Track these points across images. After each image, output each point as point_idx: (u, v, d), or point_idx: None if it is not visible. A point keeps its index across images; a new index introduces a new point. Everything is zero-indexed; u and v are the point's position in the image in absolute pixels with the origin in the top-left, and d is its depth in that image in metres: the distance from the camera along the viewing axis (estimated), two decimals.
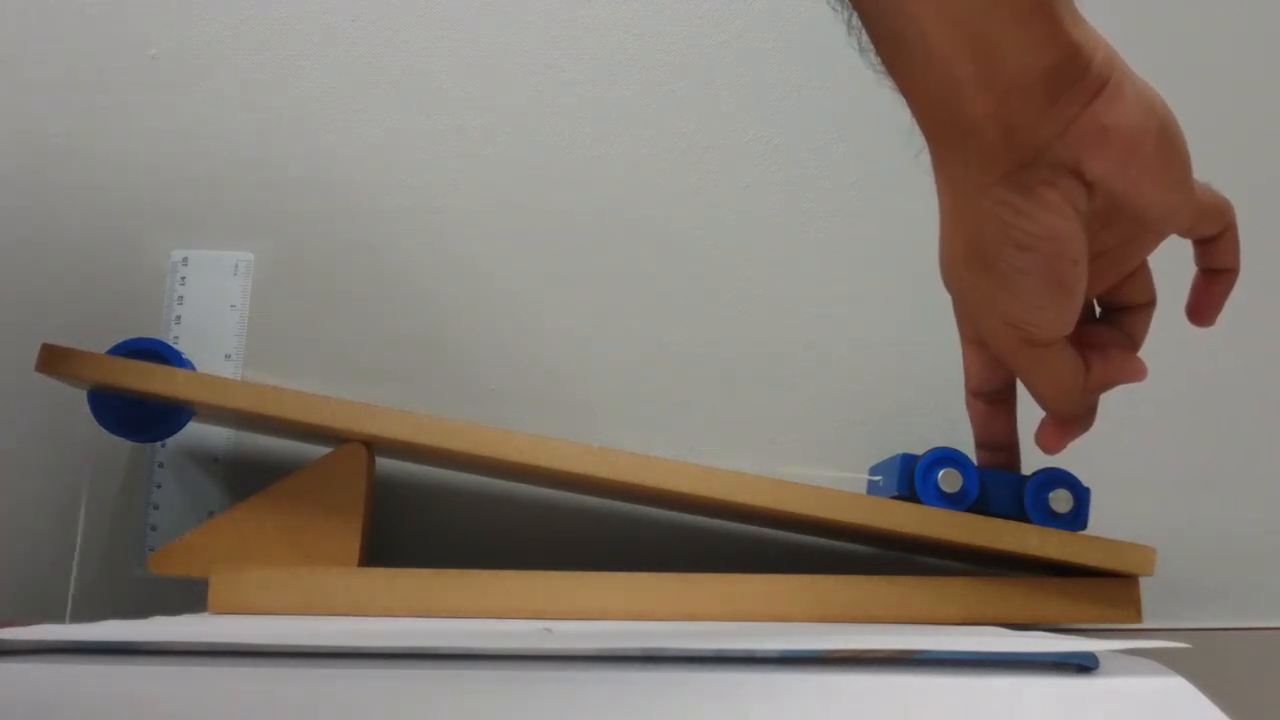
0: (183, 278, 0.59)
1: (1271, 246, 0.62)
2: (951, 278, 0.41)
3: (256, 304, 0.60)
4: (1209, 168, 0.42)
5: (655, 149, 0.63)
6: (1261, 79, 0.66)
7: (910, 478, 0.48)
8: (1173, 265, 0.45)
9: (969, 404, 0.49)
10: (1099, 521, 0.49)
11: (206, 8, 0.63)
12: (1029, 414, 0.46)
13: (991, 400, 0.48)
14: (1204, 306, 0.45)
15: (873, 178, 0.63)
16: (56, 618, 0.55)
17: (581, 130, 0.63)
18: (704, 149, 0.63)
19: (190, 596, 0.54)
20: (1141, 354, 0.45)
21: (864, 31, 0.37)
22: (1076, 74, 0.35)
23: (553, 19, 0.64)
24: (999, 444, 0.49)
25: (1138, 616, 0.48)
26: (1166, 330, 0.45)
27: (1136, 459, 0.61)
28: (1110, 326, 0.45)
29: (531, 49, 0.64)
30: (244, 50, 0.62)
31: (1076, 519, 0.48)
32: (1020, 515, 0.48)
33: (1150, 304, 0.45)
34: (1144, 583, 0.48)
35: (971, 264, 0.39)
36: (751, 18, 0.65)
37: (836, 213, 0.63)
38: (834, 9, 0.38)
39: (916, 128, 0.38)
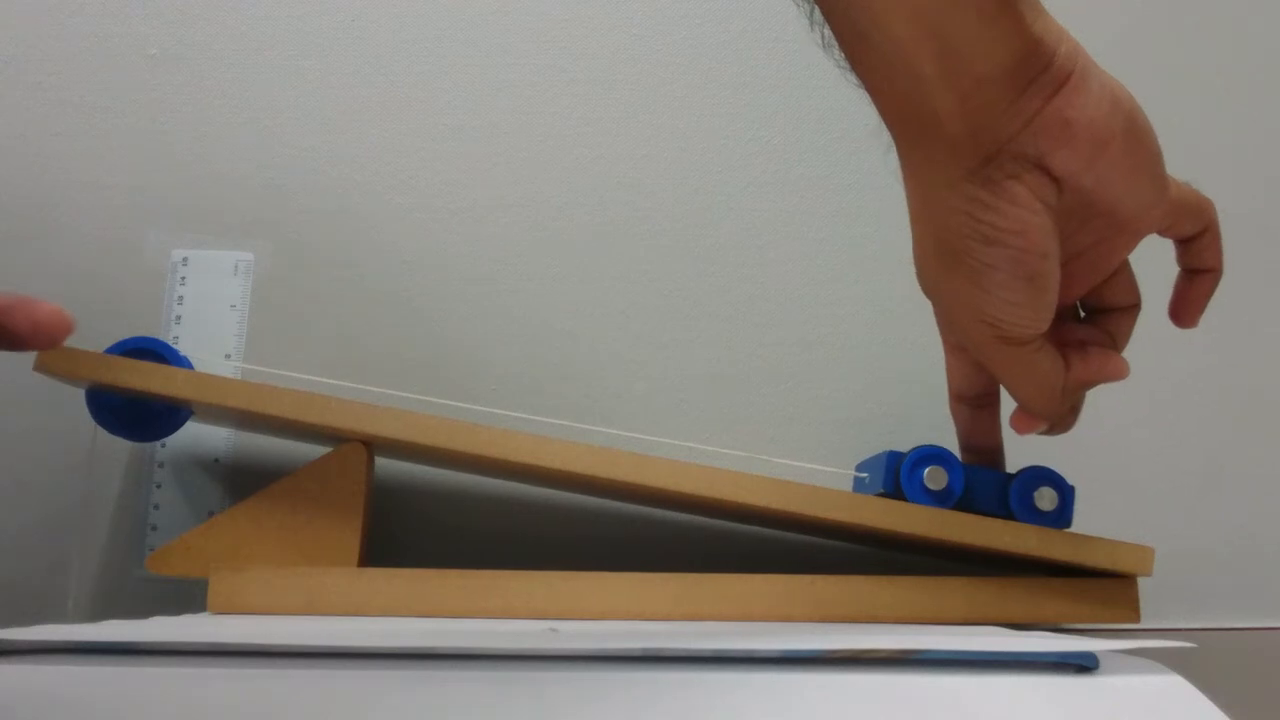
0: (183, 278, 0.59)
1: (1270, 244, 0.62)
2: (925, 278, 0.41)
3: (256, 304, 0.60)
4: (1199, 168, 0.42)
5: (655, 149, 0.63)
6: (1253, 79, 0.66)
7: (896, 475, 0.48)
8: (1170, 266, 0.45)
9: (953, 408, 0.48)
10: (1099, 521, 0.49)
11: (206, 8, 0.63)
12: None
13: (975, 405, 0.47)
14: (1186, 307, 0.44)
15: (871, 178, 0.63)
16: (56, 618, 0.55)
17: (581, 130, 0.63)
18: (704, 149, 0.63)
19: (190, 596, 0.54)
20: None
21: (826, 26, 0.37)
22: (1039, 68, 0.35)
23: (553, 19, 0.64)
24: (983, 447, 0.48)
25: (1136, 616, 0.48)
26: (1165, 329, 0.45)
27: (1136, 459, 0.60)
28: (1092, 326, 0.44)
29: (531, 49, 0.64)
30: (244, 50, 0.62)
31: (1061, 517, 0.48)
32: (1005, 513, 0.48)
33: (1134, 307, 0.44)
34: (1144, 583, 0.48)
35: (941, 261, 0.39)
36: (751, 18, 0.65)
37: (836, 213, 0.63)
38: (796, 4, 0.38)
39: (882, 125, 0.38)
